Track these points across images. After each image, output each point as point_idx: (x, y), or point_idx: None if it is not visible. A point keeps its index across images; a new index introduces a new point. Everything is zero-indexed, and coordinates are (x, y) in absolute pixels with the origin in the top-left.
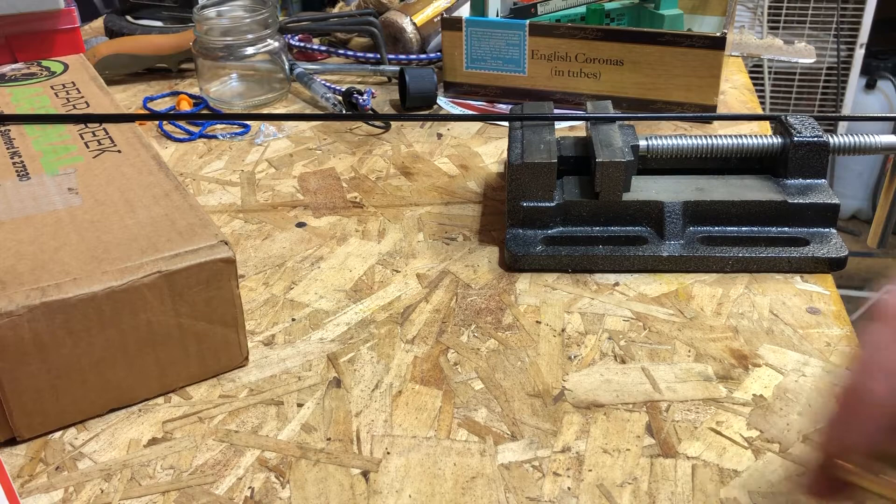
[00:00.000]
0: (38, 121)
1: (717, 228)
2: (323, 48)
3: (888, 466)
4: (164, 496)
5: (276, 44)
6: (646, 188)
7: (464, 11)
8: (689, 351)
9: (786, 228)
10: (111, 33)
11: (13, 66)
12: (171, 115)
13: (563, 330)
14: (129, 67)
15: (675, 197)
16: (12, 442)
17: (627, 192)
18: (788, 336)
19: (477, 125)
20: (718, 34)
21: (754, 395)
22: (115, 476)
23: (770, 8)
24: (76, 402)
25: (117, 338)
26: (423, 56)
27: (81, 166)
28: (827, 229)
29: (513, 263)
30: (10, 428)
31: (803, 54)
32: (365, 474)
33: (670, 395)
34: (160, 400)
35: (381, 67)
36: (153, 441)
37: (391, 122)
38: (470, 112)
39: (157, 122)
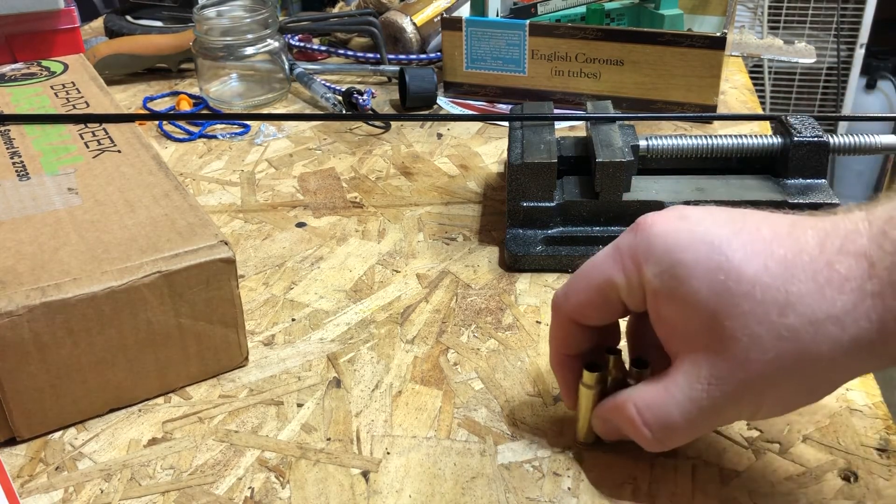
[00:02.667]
0: (38, 121)
1: None
2: (323, 48)
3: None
4: (164, 496)
5: (276, 44)
6: (646, 188)
7: (464, 11)
8: None
9: None
10: (111, 33)
11: (13, 66)
12: (171, 115)
13: None
14: (129, 67)
15: (675, 197)
16: (12, 442)
17: (627, 192)
18: None
19: (477, 125)
20: (718, 34)
21: None
22: (115, 476)
23: (770, 8)
24: (76, 402)
25: (117, 338)
26: (423, 56)
27: (81, 166)
28: None
29: (513, 263)
30: (9, 428)
31: (803, 54)
32: (365, 474)
33: None
34: (160, 400)
35: (381, 67)
36: (153, 441)
37: (391, 122)
38: (470, 112)
39: (156, 122)
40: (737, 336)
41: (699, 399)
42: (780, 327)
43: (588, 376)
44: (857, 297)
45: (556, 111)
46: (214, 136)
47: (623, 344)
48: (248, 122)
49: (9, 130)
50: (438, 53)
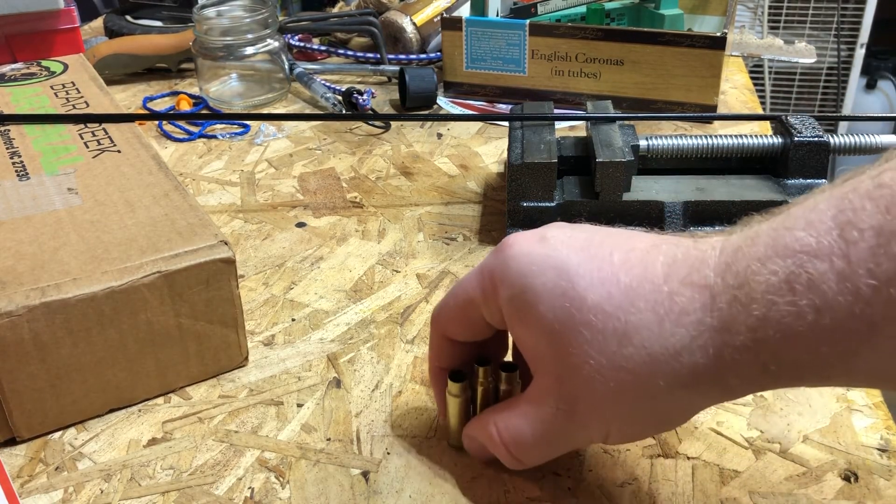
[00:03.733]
0: (37, 121)
1: (717, 228)
2: (323, 48)
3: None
4: (164, 496)
5: (276, 44)
6: (646, 188)
7: (464, 11)
8: None
9: None
10: (111, 33)
11: (13, 66)
12: (171, 115)
13: None
14: (129, 67)
15: (675, 197)
16: (12, 442)
17: (628, 192)
18: None
19: (477, 125)
20: (719, 34)
21: (755, 394)
22: (114, 476)
23: (770, 8)
24: (76, 402)
25: (117, 338)
26: (423, 56)
27: (81, 166)
28: None
29: None
30: (9, 428)
31: (803, 54)
32: (365, 474)
33: None
34: (160, 400)
35: (381, 67)
36: (153, 441)
37: (391, 122)
38: (470, 112)
39: (156, 122)
40: (579, 364)
41: (548, 421)
42: (619, 358)
43: (452, 386)
44: (695, 330)
45: (556, 111)
46: (214, 136)
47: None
48: (247, 122)
49: (9, 130)
50: (438, 53)
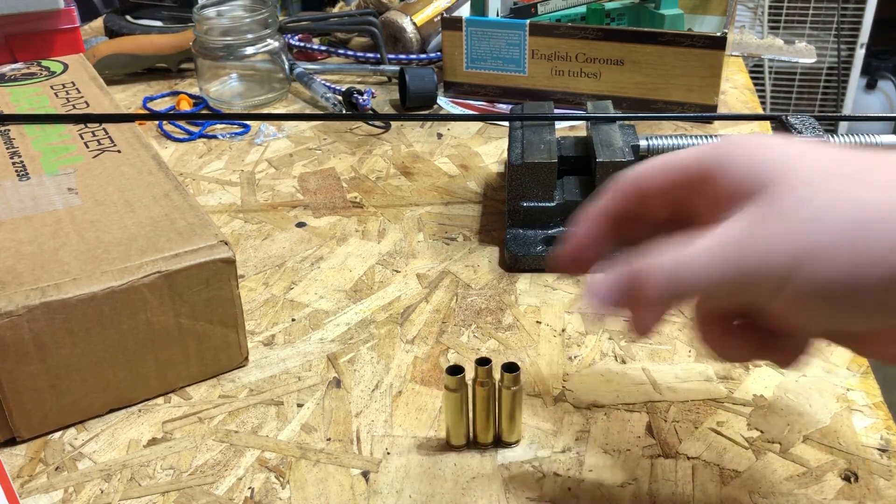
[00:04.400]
0: (38, 121)
1: None
2: (323, 48)
3: None
4: (164, 496)
5: (276, 44)
6: None
7: (464, 11)
8: (690, 351)
9: None
10: (111, 33)
11: (13, 66)
12: (171, 115)
13: (563, 330)
14: (129, 67)
15: None
16: (12, 442)
17: None
18: None
19: (477, 125)
20: (719, 34)
21: (755, 395)
22: (114, 476)
23: (770, 8)
24: (76, 402)
25: (117, 338)
26: (423, 56)
27: (81, 166)
28: None
29: (513, 263)
30: (9, 428)
31: (804, 54)
32: (365, 474)
33: (670, 395)
34: (160, 400)
35: (381, 67)
36: (153, 441)
37: (391, 122)
38: (470, 112)
39: (156, 122)
40: (790, 190)
41: (728, 234)
42: (839, 194)
43: (450, 380)
44: None
45: (556, 111)
46: (214, 136)
47: (495, 352)
48: (248, 122)
49: (9, 130)
50: (438, 53)
